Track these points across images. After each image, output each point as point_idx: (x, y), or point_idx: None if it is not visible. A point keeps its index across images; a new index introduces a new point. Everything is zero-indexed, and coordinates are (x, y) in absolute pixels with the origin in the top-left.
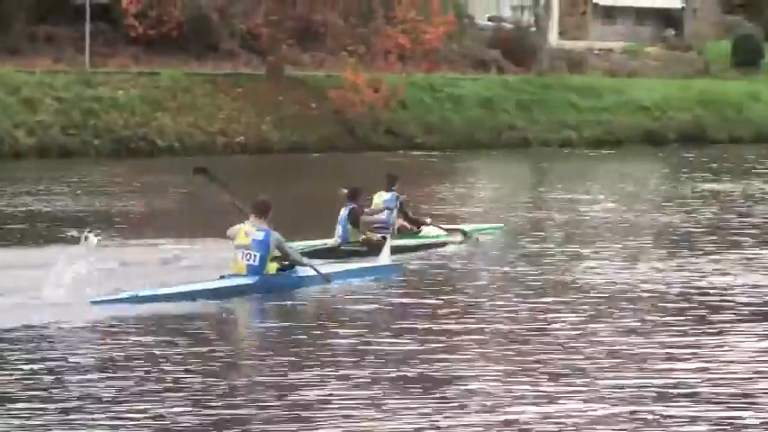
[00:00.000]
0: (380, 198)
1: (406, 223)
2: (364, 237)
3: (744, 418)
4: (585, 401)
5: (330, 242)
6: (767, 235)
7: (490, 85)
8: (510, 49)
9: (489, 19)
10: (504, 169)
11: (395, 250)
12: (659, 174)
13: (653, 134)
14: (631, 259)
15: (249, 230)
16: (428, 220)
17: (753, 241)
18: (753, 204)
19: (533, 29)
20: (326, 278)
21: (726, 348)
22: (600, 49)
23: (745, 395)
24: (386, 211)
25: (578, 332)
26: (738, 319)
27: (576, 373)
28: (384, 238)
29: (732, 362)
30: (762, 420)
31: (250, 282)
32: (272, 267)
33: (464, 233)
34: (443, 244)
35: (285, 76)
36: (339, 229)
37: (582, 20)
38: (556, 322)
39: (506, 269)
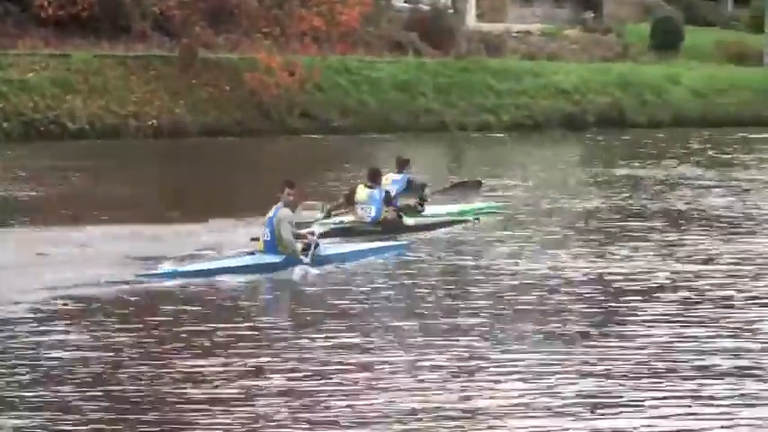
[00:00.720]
0: (389, 179)
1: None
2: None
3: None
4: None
5: (347, 220)
6: (683, 220)
7: (407, 67)
8: (427, 31)
9: (406, 1)
10: (420, 153)
11: (411, 230)
12: (577, 158)
13: (572, 118)
14: (546, 245)
15: (274, 207)
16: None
17: (666, 226)
18: (668, 189)
19: (451, 11)
20: (307, 265)
21: (633, 333)
22: (518, 32)
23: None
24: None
25: (479, 318)
26: (646, 304)
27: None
28: (400, 217)
29: (642, 348)
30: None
31: (276, 260)
32: (298, 246)
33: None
34: (458, 222)
35: (199, 58)
36: (371, 209)
37: (500, 2)
38: (466, 309)
39: (422, 256)
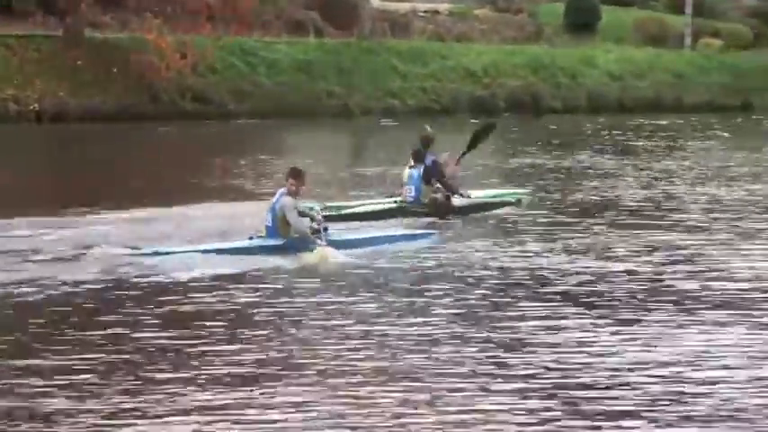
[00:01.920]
0: (404, 176)
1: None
2: (430, 197)
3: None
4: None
5: (388, 201)
6: (593, 213)
7: (307, 48)
8: (329, 10)
9: None
10: (317, 139)
11: (460, 211)
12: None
13: (482, 102)
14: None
15: (277, 193)
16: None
17: (573, 220)
18: (581, 180)
19: None
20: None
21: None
22: (425, 11)
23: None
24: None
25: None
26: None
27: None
28: (448, 198)
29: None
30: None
31: (278, 242)
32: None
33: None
34: (502, 204)
35: (85, 38)
36: (410, 189)
37: None
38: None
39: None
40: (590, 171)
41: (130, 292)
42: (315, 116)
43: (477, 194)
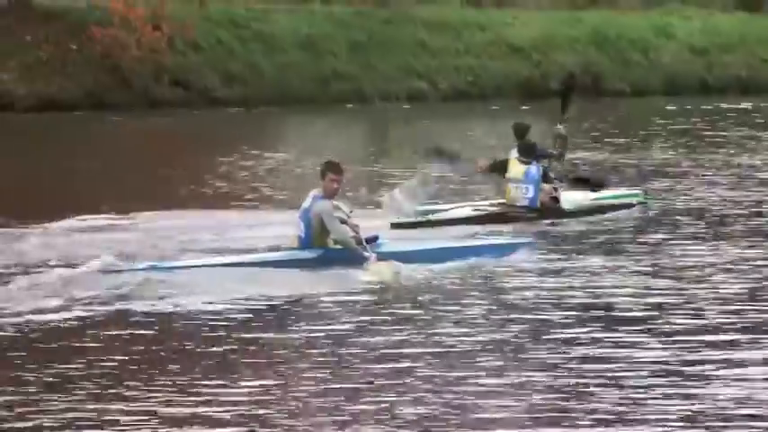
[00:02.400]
0: (519, 171)
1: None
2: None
3: None
4: None
5: (487, 205)
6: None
7: (312, 19)
8: None
9: None
10: (328, 132)
11: (570, 215)
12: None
13: (530, 84)
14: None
15: (308, 197)
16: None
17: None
18: (655, 179)
19: None
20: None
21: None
22: None
23: None
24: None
25: None
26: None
27: None
28: (556, 200)
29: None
30: None
31: (308, 255)
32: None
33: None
34: (622, 206)
35: (34, 7)
36: (528, 189)
37: None
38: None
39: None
40: (668, 169)
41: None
42: (322, 103)
43: (589, 195)
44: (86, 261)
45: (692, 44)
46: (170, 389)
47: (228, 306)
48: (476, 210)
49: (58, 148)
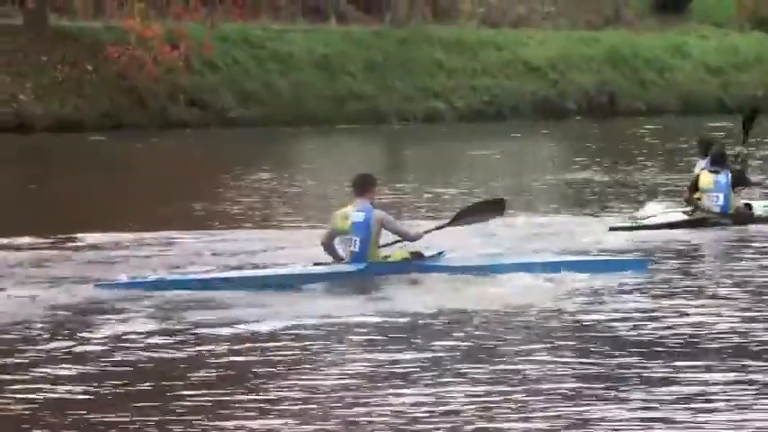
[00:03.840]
0: (699, 167)
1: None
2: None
3: None
4: None
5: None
6: None
7: (328, 38)
8: None
9: None
10: (344, 152)
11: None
12: (552, 158)
13: (547, 104)
14: None
15: (349, 213)
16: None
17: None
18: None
19: None
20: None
21: None
22: None
23: None
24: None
25: None
26: None
27: None
28: (749, 207)
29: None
30: None
31: (350, 269)
32: (398, 255)
33: None
34: None
35: (50, 27)
36: (719, 197)
37: None
38: None
39: None
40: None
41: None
42: (338, 123)
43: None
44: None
45: (707, 63)
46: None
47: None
48: (682, 215)
49: (71, 167)
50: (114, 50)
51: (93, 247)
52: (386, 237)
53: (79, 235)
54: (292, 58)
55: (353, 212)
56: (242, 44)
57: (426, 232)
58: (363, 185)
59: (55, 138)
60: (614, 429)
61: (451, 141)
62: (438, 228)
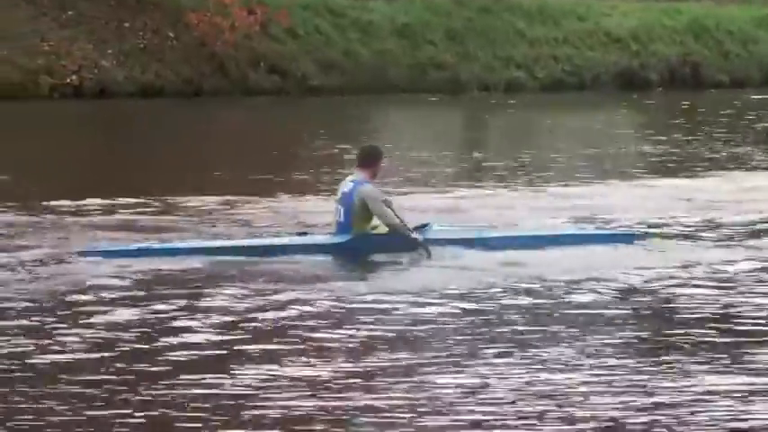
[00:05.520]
0: None
1: None
2: None
3: None
4: None
5: None
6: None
7: (410, 7)
8: None
9: None
10: (427, 122)
11: None
12: (633, 129)
13: (629, 75)
14: None
15: (346, 182)
16: None
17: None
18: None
19: None
20: (427, 251)
21: None
22: None
23: None
24: None
25: None
26: None
27: None
28: None
29: None
30: None
31: (334, 241)
32: (383, 227)
33: None
34: None
35: None
36: None
37: None
38: None
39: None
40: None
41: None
42: (418, 92)
43: None
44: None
45: None
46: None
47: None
48: None
49: (152, 133)
50: (194, 16)
51: (159, 210)
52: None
53: (145, 199)
54: (373, 26)
55: (347, 182)
56: (323, 12)
57: (410, 231)
58: (365, 158)
59: (135, 103)
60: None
61: (532, 111)
62: (419, 232)
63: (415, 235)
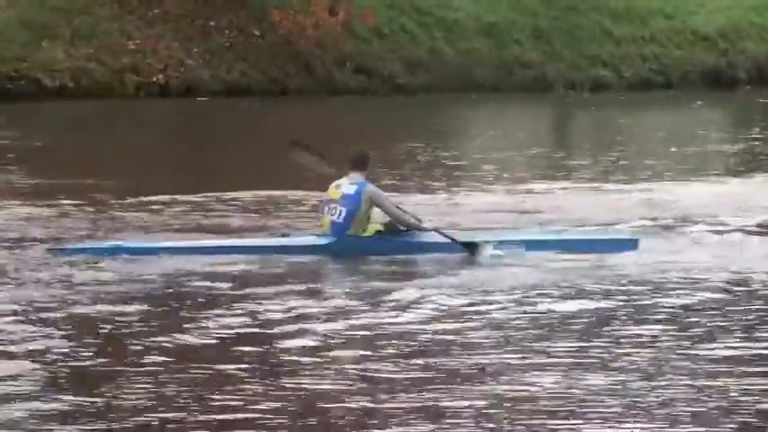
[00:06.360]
0: None
1: None
2: None
3: None
4: None
5: None
6: None
7: (496, 6)
8: None
9: None
10: (513, 121)
11: None
12: (719, 128)
13: (716, 73)
14: None
15: (342, 183)
16: None
17: None
18: None
19: None
20: (461, 245)
21: None
22: None
23: None
24: None
25: None
26: None
27: None
28: None
29: None
30: None
31: (318, 242)
32: (371, 229)
33: None
34: None
35: None
36: None
37: None
38: None
39: None
40: None
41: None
42: (504, 91)
43: None
44: None
45: None
46: None
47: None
48: None
49: (237, 132)
50: (278, 14)
51: (240, 208)
52: None
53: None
54: (459, 25)
55: (346, 183)
56: (409, 12)
57: (419, 221)
58: (359, 160)
59: (220, 102)
60: None
61: (617, 109)
62: (441, 233)
63: (426, 225)
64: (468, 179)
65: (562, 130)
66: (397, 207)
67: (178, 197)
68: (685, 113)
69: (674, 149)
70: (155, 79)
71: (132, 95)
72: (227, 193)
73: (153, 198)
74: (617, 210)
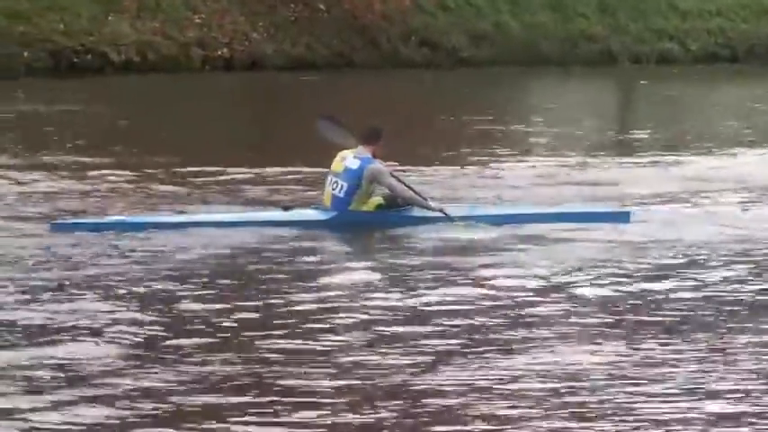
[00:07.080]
0: None
1: None
2: None
3: None
4: None
5: None
6: None
7: None
8: None
9: None
10: (578, 94)
11: None
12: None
13: None
14: None
15: (347, 156)
16: None
17: None
18: None
19: None
20: (448, 217)
21: None
22: None
23: None
24: None
25: None
26: None
27: None
28: None
29: None
30: None
31: (319, 217)
32: (372, 204)
33: None
34: None
35: None
36: None
37: None
38: None
39: None
40: None
41: None
42: (569, 64)
43: None
44: None
45: None
46: None
47: None
48: None
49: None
50: None
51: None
52: None
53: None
54: None
55: (351, 157)
56: None
57: (424, 199)
58: (370, 135)
59: (286, 76)
60: None
61: (683, 83)
62: (443, 213)
63: (431, 203)
64: (519, 152)
65: (625, 104)
66: (405, 185)
67: (252, 171)
68: (749, 87)
69: (731, 122)
70: (220, 53)
71: (198, 69)
72: (289, 168)
73: (221, 171)
74: (676, 181)
